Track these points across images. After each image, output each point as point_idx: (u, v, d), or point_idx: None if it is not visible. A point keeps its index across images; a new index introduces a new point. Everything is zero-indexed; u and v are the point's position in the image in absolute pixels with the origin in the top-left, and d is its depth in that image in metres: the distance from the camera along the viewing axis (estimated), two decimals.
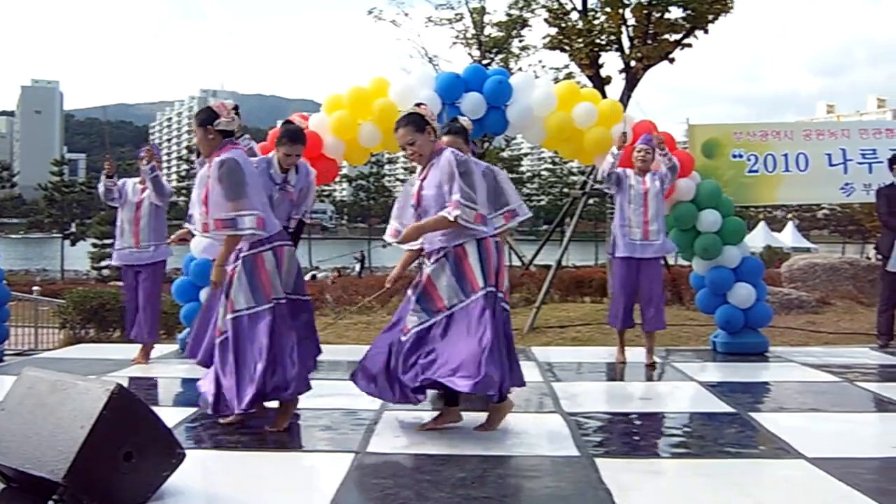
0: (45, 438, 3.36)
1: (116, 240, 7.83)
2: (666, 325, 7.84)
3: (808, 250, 36.62)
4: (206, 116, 4.99)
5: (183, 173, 77.33)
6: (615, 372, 7.45)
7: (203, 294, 7.83)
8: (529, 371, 7.12)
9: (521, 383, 5.05)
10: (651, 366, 7.53)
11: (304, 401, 5.17)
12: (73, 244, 56.08)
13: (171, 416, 5.00)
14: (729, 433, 5.08)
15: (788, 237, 42.80)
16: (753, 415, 5.48)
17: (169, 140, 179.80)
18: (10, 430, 3.52)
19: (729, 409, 5.67)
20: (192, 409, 5.45)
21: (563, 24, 17.09)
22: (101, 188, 7.78)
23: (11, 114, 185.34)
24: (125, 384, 3.51)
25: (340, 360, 7.84)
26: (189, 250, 8.26)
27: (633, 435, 5.21)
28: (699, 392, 6.48)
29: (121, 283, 8.21)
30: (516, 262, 18.27)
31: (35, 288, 18.28)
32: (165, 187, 7.78)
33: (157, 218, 7.75)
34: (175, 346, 8.56)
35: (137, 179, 7.77)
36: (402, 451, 4.60)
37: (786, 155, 9.10)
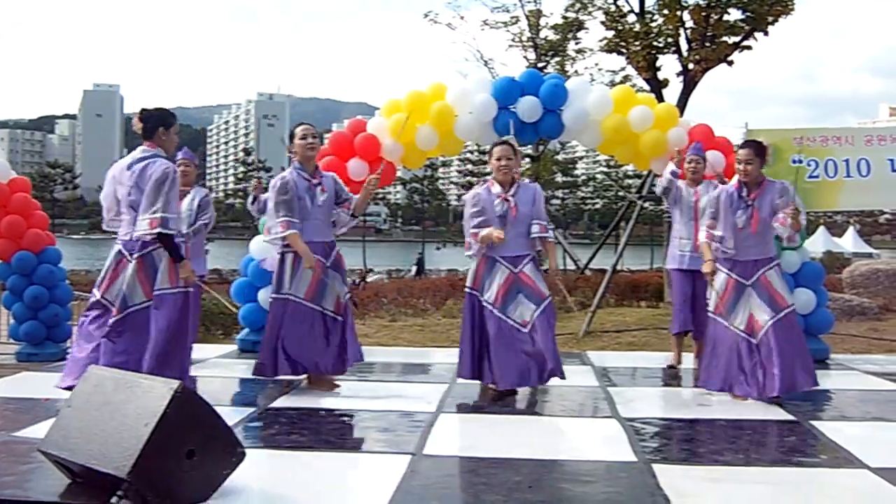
0: (111, 435, 3.43)
1: None
2: None
3: (869, 256, 35.92)
4: None
5: (240, 176, 78.20)
6: (672, 377, 7.38)
7: (262, 295, 7.87)
8: (585, 375, 7.13)
9: None
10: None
11: (362, 402, 5.21)
12: None
13: (230, 415, 5.03)
14: (790, 441, 5.01)
15: (849, 242, 41.87)
16: (815, 423, 5.38)
17: (226, 143, 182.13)
18: (76, 427, 3.60)
19: (789, 417, 5.58)
20: (251, 409, 5.53)
21: (620, 27, 16.96)
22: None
23: (74, 117, 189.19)
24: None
25: (395, 363, 7.90)
26: (247, 252, 8.34)
27: (691, 441, 5.16)
28: (758, 399, 6.38)
29: None
30: (571, 266, 18.20)
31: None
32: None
33: (196, 233, 7.18)
34: (234, 347, 8.66)
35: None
36: (458, 453, 4.62)
37: (847, 160, 8.88)
